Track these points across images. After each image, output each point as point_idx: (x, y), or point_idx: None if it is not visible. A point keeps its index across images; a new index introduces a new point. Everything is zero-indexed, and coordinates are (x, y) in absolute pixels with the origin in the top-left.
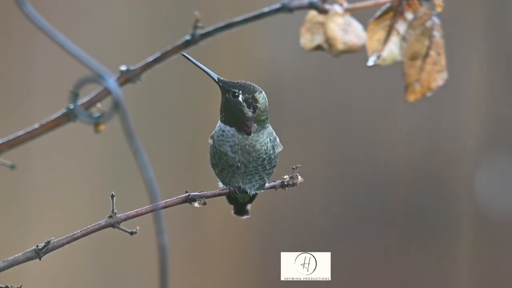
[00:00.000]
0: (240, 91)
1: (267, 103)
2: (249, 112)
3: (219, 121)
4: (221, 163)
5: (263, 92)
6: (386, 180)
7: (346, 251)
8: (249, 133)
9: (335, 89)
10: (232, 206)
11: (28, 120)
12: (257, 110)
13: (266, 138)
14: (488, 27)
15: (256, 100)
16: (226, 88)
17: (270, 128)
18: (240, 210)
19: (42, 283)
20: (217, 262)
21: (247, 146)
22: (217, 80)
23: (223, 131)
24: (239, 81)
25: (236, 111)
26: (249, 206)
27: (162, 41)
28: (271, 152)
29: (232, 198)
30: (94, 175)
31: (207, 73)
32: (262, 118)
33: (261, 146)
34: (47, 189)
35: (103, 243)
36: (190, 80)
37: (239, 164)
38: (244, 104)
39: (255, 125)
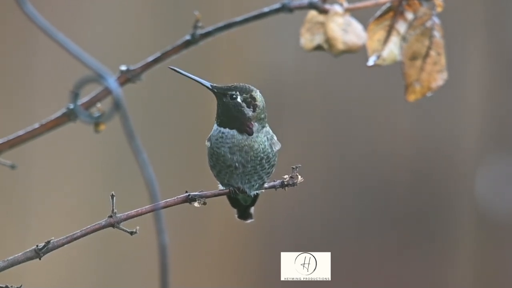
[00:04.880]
0: (237, 92)
1: (264, 101)
2: (249, 112)
3: (216, 124)
4: (218, 164)
5: (258, 91)
6: (386, 180)
7: (346, 251)
8: (251, 133)
9: (335, 90)
10: (235, 211)
11: (28, 120)
12: (256, 109)
13: (264, 137)
14: (488, 27)
15: (254, 99)
16: (223, 93)
17: (267, 127)
18: (244, 213)
19: (42, 283)
20: (217, 262)
21: (245, 147)
22: (211, 88)
23: (222, 133)
24: (233, 84)
25: (237, 113)
26: (252, 210)
27: (162, 41)
28: (269, 150)
29: (235, 201)
30: (94, 175)
31: (199, 82)
32: (262, 116)
33: (259, 145)
34: (47, 189)
35: (103, 243)
36: (190, 80)
37: (236, 165)
38: (244, 104)
39: (256, 124)
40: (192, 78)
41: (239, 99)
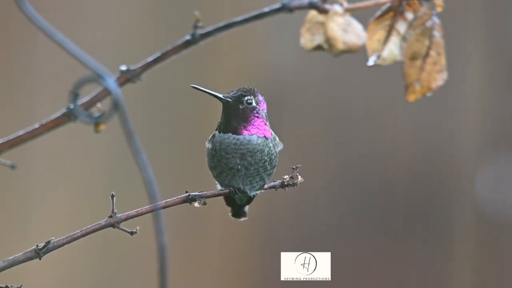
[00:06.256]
0: (251, 96)
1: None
2: (263, 113)
3: (221, 132)
4: (220, 166)
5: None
6: (387, 180)
7: (346, 251)
8: (270, 136)
9: (335, 90)
10: (229, 209)
11: (29, 120)
12: (266, 109)
13: (268, 139)
14: (488, 27)
15: (262, 100)
16: (239, 101)
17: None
18: (238, 212)
19: (42, 283)
20: (217, 262)
21: (257, 152)
22: (224, 98)
23: (237, 139)
24: (237, 89)
25: (253, 117)
26: (246, 208)
27: (162, 41)
28: (272, 151)
29: (230, 200)
30: (94, 175)
31: (214, 96)
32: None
33: (263, 147)
34: (47, 189)
35: (103, 243)
36: (190, 80)
37: (239, 167)
38: (258, 107)
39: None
40: (208, 93)
41: (254, 103)
